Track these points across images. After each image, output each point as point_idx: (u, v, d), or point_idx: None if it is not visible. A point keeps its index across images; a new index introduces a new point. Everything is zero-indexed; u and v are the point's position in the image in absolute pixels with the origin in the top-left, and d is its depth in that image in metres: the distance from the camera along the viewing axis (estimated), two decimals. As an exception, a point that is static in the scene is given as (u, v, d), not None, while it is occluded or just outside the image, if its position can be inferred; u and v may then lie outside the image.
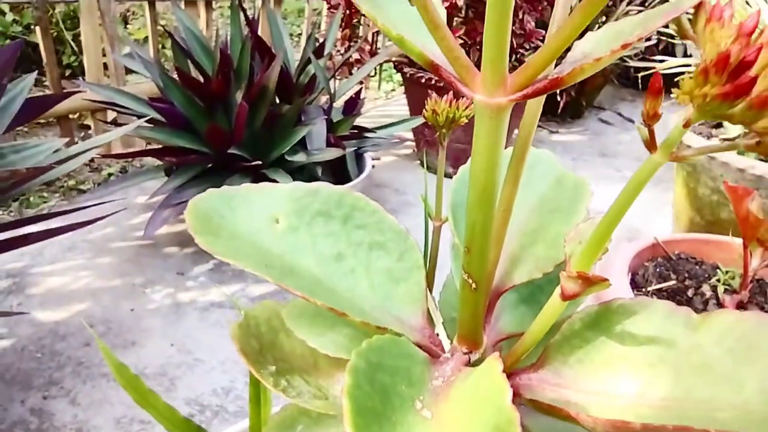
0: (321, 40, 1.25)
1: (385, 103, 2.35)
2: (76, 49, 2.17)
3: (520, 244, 0.30)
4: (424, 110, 0.36)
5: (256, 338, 0.35)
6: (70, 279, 1.01)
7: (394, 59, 1.54)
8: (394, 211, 1.45)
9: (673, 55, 1.76)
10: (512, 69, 0.20)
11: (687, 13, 0.19)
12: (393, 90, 2.55)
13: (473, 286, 0.25)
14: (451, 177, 1.44)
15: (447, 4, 1.24)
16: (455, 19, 1.33)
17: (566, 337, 0.28)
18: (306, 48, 1.11)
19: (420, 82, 1.42)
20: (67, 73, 2.20)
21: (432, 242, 0.37)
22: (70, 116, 1.38)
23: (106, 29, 1.32)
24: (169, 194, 0.94)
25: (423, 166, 1.66)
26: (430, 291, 0.40)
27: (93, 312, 0.93)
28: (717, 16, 0.16)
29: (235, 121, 0.94)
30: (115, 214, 1.23)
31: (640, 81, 2.12)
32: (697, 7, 0.17)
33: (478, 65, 0.20)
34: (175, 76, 1.03)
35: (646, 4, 2.14)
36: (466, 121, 0.36)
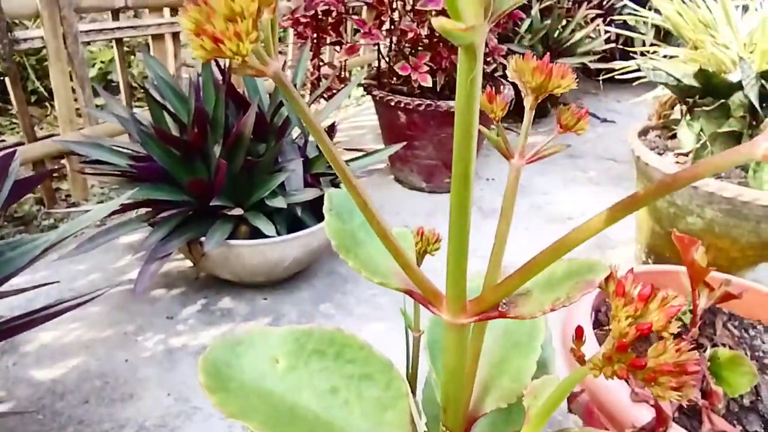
0: (290, 73, 1.28)
1: (356, 113, 2.38)
2: (37, 75, 2.15)
3: (489, 374, 0.35)
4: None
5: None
6: (61, 332, 1.04)
7: (364, 82, 1.57)
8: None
9: (632, 57, 1.83)
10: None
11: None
12: (363, 95, 2.58)
13: (450, 434, 0.30)
14: (423, 191, 1.51)
15: (412, 34, 1.28)
16: (419, 46, 1.37)
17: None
18: (277, 89, 1.14)
19: (390, 104, 1.46)
20: (33, 99, 2.18)
21: (412, 350, 0.42)
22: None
23: (76, 71, 1.32)
24: (155, 247, 0.97)
25: (398, 181, 1.70)
26: (413, 392, 0.45)
27: (88, 366, 0.96)
28: (620, 292, 0.21)
29: (214, 174, 0.97)
30: (99, 258, 1.26)
31: (601, 82, 2.19)
32: (608, 278, 0.22)
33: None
34: (146, 109, 1.06)
35: (603, 5, 2.21)
36: (438, 251, 0.40)
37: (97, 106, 1.46)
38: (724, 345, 0.70)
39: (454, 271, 0.24)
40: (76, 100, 1.35)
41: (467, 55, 0.18)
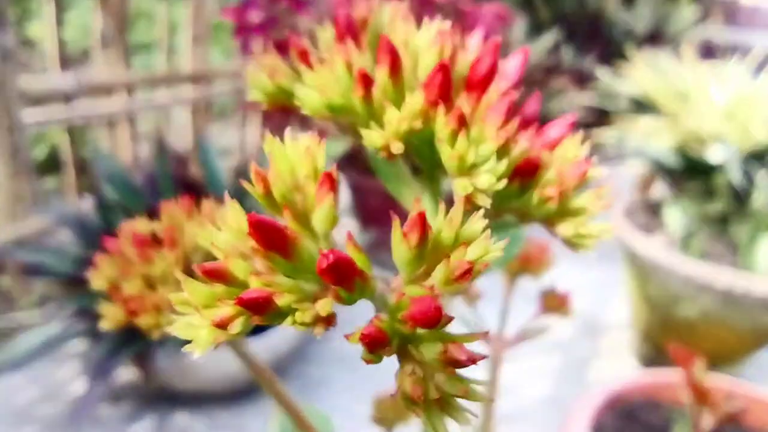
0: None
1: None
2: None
3: None
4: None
5: None
6: (-13, 467, 0.89)
7: (337, 163, 1.51)
8: (343, 322, 1.39)
9: (609, 124, 1.82)
10: None
11: None
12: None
13: None
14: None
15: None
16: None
17: None
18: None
19: (363, 186, 1.40)
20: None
21: None
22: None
23: (19, 162, 1.23)
24: (100, 362, 0.86)
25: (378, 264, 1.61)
26: None
27: None
28: None
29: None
30: (39, 369, 1.13)
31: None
32: None
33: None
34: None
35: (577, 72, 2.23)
36: None
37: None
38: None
39: None
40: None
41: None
